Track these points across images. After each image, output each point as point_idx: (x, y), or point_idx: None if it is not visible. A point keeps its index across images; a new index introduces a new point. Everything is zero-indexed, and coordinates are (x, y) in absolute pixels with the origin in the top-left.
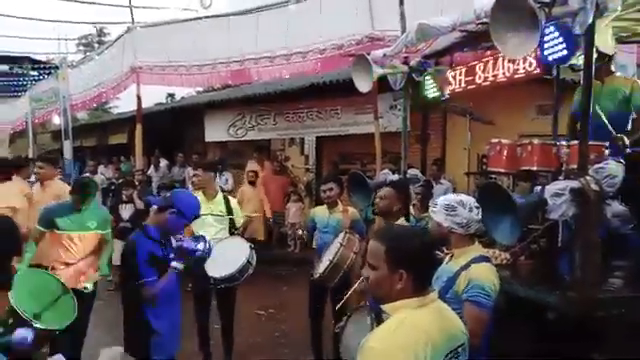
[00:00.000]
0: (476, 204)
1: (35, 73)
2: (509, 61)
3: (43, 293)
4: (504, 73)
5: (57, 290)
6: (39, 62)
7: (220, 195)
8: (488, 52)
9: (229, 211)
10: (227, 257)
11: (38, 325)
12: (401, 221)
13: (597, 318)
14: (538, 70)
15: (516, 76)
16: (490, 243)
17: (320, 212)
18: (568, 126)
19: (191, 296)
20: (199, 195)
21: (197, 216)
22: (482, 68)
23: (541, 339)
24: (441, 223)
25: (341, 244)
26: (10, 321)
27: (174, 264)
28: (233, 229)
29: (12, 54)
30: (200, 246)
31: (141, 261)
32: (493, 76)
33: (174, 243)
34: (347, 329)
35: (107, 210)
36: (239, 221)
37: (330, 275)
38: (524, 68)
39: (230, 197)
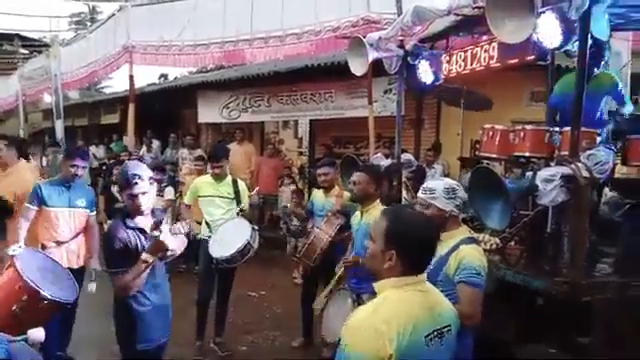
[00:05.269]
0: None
1: (25, 51)
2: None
3: (44, 270)
4: (498, 58)
5: (54, 268)
6: (29, 39)
7: (229, 177)
8: (484, 37)
9: (236, 193)
10: (229, 238)
11: (48, 296)
12: (377, 203)
13: (585, 303)
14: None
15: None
16: (480, 228)
17: (319, 196)
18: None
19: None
20: (208, 177)
21: None
22: (477, 53)
23: (529, 323)
24: (443, 208)
25: (318, 227)
26: (24, 297)
27: (144, 256)
28: (240, 211)
29: (1, 31)
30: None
31: (113, 250)
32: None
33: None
34: (327, 311)
35: (93, 192)
36: (246, 203)
37: (305, 255)
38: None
39: (239, 180)
